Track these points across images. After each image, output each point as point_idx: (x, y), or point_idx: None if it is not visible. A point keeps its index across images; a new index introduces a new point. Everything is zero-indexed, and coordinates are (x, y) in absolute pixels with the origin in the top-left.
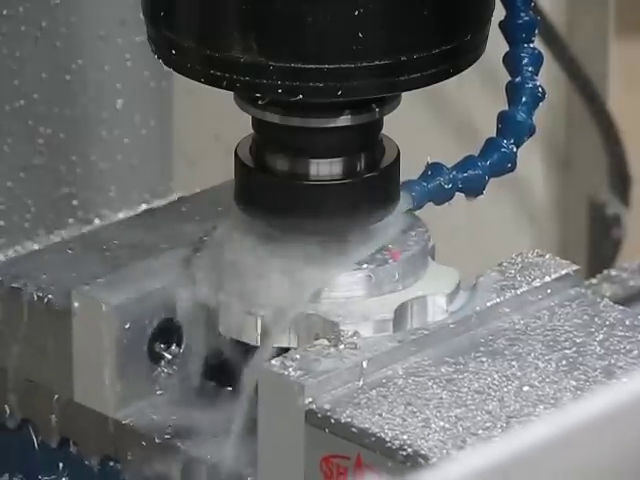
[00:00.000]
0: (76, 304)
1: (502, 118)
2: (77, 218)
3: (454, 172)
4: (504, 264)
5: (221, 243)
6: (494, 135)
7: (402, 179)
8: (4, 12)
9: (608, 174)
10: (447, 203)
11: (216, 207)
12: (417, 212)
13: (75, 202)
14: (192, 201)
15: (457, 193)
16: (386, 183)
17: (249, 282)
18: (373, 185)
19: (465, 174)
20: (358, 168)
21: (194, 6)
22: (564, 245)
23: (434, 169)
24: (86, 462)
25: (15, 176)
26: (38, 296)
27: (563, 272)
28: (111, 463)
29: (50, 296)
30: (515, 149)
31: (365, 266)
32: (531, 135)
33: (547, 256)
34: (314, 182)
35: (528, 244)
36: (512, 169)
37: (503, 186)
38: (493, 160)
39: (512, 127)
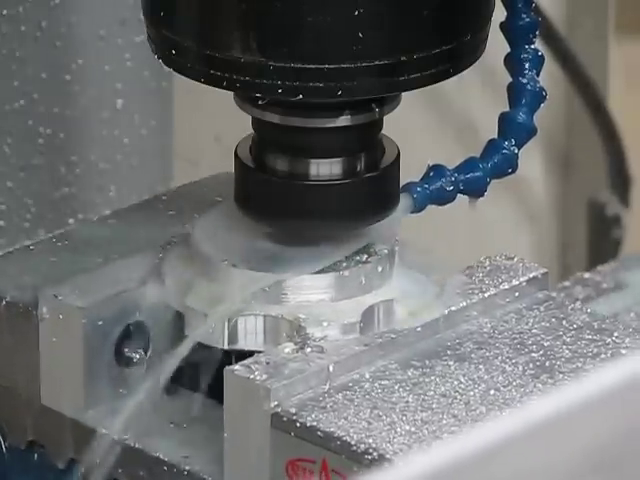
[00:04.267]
0: (43, 307)
1: (503, 119)
2: (77, 218)
3: (455, 174)
4: (472, 267)
5: (188, 245)
6: (494, 135)
7: (402, 179)
8: (4, 12)
9: (608, 174)
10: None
11: (191, 205)
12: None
13: (75, 202)
14: (168, 199)
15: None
16: (386, 183)
17: (215, 284)
18: (373, 185)
19: (467, 176)
20: (358, 168)
21: (194, 6)
22: (564, 245)
23: (435, 171)
24: (54, 465)
25: (15, 176)
26: (3, 298)
27: (531, 275)
28: (78, 467)
29: (16, 298)
30: (517, 150)
31: (332, 269)
32: (532, 136)
33: (515, 259)
34: (314, 182)
35: (528, 244)
36: (513, 171)
37: (503, 186)
38: (494, 162)
39: (513, 128)
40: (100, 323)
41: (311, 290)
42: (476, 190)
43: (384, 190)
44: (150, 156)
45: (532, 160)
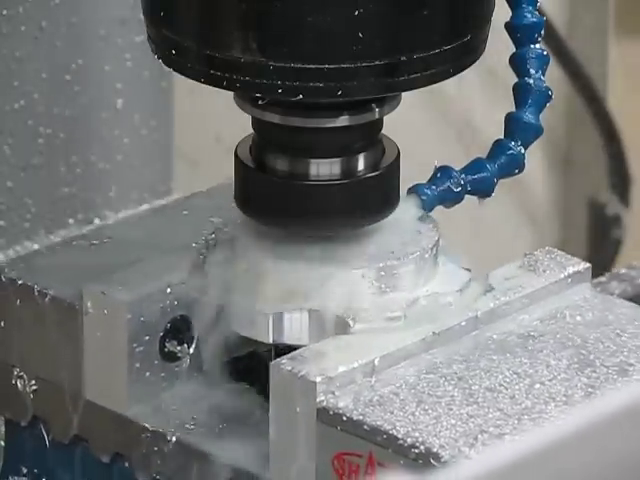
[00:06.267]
0: (88, 302)
1: (509, 120)
2: (77, 218)
3: (463, 175)
4: (515, 262)
5: (231, 240)
6: (494, 135)
7: (402, 179)
8: (4, 12)
9: (608, 174)
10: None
11: (225, 204)
12: None
13: (75, 202)
14: (201, 198)
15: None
16: (386, 183)
17: (259, 280)
18: (373, 185)
19: (474, 177)
20: (358, 168)
21: (194, 6)
22: (564, 245)
23: (443, 172)
24: (98, 459)
25: (15, 176)
26: (48, 293)
27: (574, 269)
28: (122, 461)
29: (60, 293)
30: (523, 150)
31: (378, 264)
32: (539, 136)
33: (558, 253)
34: (314, 182)
35: (528, 244)
36: (520, 171)
37: (503, 186)
38: (502, 162)
39: (520, 128)
40: (144, 318)
41: (356, 284)
42: (484, 191)
43: (384, 190)
44: (150, 156)
45: (532, 160)
